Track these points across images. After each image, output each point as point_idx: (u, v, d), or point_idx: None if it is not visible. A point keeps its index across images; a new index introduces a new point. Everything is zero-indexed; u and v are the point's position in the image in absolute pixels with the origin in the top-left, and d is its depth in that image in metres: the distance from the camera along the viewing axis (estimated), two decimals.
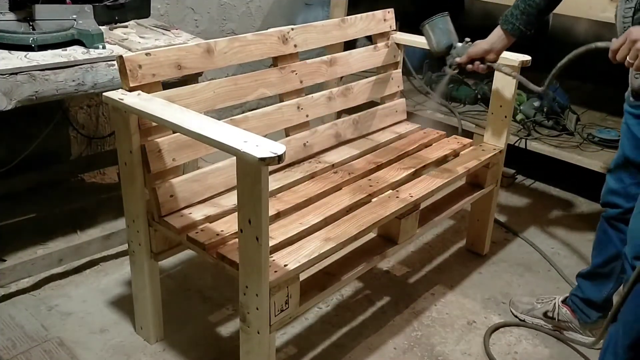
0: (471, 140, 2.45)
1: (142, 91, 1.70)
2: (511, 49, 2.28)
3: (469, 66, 2.03)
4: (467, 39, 2.06)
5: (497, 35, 1.98)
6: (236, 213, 1.48)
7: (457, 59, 2.03)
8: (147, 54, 1.72)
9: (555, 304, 2.11)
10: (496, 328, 2.13)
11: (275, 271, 1.54)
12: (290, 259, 1.60)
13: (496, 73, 2.27)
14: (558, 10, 2.69)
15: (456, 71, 2.08)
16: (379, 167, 2.18)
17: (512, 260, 2.54)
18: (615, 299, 1.87)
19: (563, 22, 3.51)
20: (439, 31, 2.05)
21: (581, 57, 1.64)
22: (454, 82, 3.42)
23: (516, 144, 2.96)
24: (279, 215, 1.83)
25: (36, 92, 1.87)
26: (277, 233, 1.70)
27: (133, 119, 1.67)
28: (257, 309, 1.52)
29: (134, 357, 1.93)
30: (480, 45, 2.01)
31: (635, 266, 1.60)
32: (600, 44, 1.54)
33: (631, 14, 1.55)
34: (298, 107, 2.15)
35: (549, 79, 1.81)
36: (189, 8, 3.21)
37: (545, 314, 2.13)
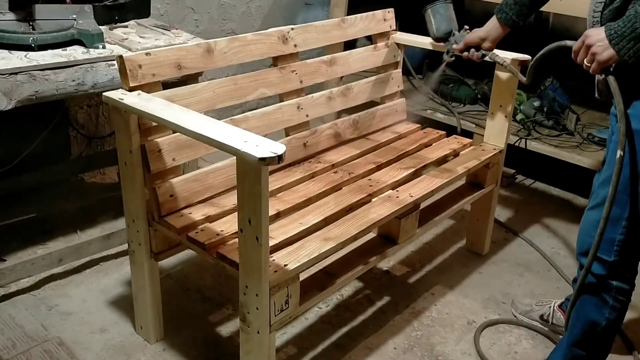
0: (471, 140, 2.45)
1: (142, 91, 1.70)
2: (511, 48, 2.30)
3: (465, 53, 2.11)
4: (466, 27, 2.13)
5: (492, 24, 2.03)
6: (236, 213, 1.48)
7: (454, 46, 2.13)
8: (147, 54, 1.72)
9: (551, 307, 2.12)
10: (486, 326, 2.13)
11: (275, 271, 1.54)
12: (290, 259, 1.60)
13: (496, 73, 2.28)
14: (558, 10, 2.70)
15: (452, 58, 2.18)
16: (379, 167, 2.18)
17: (512, 260, 2.54)
18: None
19: (563, 21, 3.51)
20: (440, 17, 2.15)
21: (553, 53, 1.68)
22: (454, 82, 3.42)
23: (516, 144, 2.96)
24: (279, 215, 1.83)
25: (36, 92, 1.87)
26: (277, 233, 1.70)
27: (133, 119, 1.67)
28: (257, 308, 1.52)
29: (134, 357, 1.93)
30: (477, 32, 2.07)
31: (582, 263, 1.66)
32: (569, 43, 1.56)
33: (601, 9, 1.52)
34: (298, 107, 2.15)
35: (528, 71, 1.91)
36: (189, 8, 3.21)
37: (541, 317, 2.13)
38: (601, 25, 1.47)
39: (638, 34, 1.37)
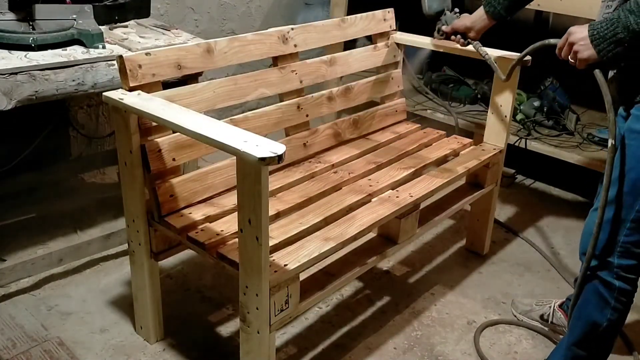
0: (471, 140, 2.45)
1: (142, 91, 1.70)
2: (511, 48, 2.29)
3: (452, 37, 2.15)
4: (456, 10, 2.16)
5: (479, 15, 2.07)
6: (236, 213, 1.48)
7: (444, 27, 2.16)
8: (147, 54, 1.72)
9: (552, 307, 2.12)
10: (486, 326, 2.13)
11: (275, 271, 1.54)
12: (290, 259, 1.60)
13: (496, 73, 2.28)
14: (558, 10, 2.70)
15: (443, 37, 2.19)
16: (379, 167, 2.18)
17: (512, 260, 2.54)
18: None
19: (563, 22, 3.51)
20: None
21: (537, 51, 1.76)
22: (454, 82, 3.42)
23: (516, 144, 2.96)
24: (279, 215, 1.83)
25: (36, 92, 1.87)
26: (277, 233, 1.70)
27: (133, 118, 1.67)
28: (257, 308, 1.52)
29: (134, 357, 1.93)
30: (464, 20, 2.11)
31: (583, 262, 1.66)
32: (552, 41, 1.62)
33: None
34: (298, 107, 2.15)
35: (509, 70, 2.05)
36: (189, 8, 3.21)
37: (541, 317, 2.13)
38: None
39: (618, 38, 1.42)
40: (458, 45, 2.20)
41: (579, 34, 1.49)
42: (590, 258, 1.57)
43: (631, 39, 1.40)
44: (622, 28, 1.40)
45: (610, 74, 1.61)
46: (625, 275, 1.61)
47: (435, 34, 2.22)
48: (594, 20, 1.57)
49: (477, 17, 2.08)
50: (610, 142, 1.51)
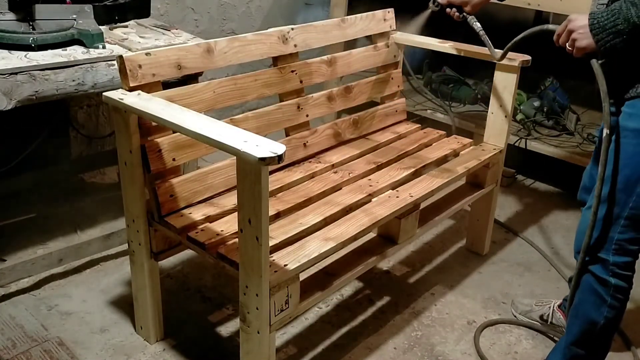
0: (471, 140, 2.45)
1: (142, 91, 1.70)
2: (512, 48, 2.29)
3: (448, 10, 2.14)
4: None
5: None
6: (236, 213, 1.48)
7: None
8: (147, 54, 1.72)
9: (551, 307, 2.12)
10: (486, 326, 2.13)
11: (275, 271, 1.54)
12: (290, 259, 1.60)
13: (496, 73, 2.28)
14: (558, 10, 2.70)
15: (437, 8, 2.18)
16: (379, 167, 2.18)
17: (512, 260, 2.54)
18: None
19: (563, 21, 3.51)
20: None
21: (535, 36, 1.75)
22: (454, 82, 3.43)
23: (516, 144, 2.97)
24: (279, 215, 1.83)
25: (36, 92, 1.87)
26: (277, 233, 1.70)
27: (133, 118, 1.67)
28: (257, 308, 1.52)
29: (134, 357, 1.93)
30: None
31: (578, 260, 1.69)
32: (551, 27, 1.62)
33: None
34: (298, 107, 2.15)
35: (504, 51, 2.07)
36: (189, 8, 3.21)
37: (541, 317, 2.13)
38: None
39: (618, 29, 1.42)
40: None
41: (579, 21, 1.49)
42: (584, 255, 1.59)
43: (630, 31, 1.41)
44: (622, 19, 1.41)
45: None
46: (620, 272, 1.62)
47: (431, 4, 2.20)
48: None
49: None
50: (604, 131, 1.52)
